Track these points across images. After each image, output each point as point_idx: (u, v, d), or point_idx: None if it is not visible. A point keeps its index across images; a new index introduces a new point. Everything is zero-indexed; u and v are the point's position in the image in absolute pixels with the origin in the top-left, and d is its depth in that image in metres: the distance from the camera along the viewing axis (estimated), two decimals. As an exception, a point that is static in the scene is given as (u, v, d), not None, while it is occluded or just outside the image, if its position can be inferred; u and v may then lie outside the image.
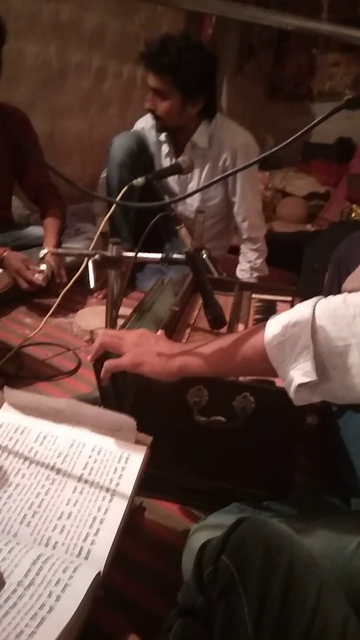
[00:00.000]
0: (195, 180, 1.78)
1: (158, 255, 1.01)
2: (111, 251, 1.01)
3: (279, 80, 3.85)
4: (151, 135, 1.84)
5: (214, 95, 1.77)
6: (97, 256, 1.02)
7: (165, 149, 1.83)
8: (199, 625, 0.47)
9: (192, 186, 1.81)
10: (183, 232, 0.96)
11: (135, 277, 1.84)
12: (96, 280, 1.04)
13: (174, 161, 1.82)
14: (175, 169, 1.26)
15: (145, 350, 0.76)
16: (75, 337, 1.53)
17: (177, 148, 1.81)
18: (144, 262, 1.79)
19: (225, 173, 0.75)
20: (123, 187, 1.06)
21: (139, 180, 1.14)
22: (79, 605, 0.52)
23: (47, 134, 2.28)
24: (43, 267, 1.59)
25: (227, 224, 1.90)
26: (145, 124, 1.85)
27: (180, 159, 1.28)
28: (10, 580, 0.54)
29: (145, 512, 0.88)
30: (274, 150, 0.65)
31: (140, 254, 1.00)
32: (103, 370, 0.77)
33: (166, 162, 1.82)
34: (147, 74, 1.63)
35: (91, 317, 1.59)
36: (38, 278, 1.58)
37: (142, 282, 1.80)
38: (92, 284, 1.02)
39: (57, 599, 0.53)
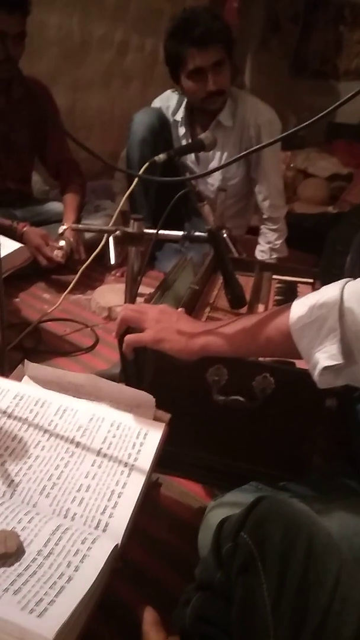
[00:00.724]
0: (217, 159, 1.76)
1: (179, 233, 0.99)
2: (132, 227, 1.00)
3: (305, 57, 3.74)
4: (168, 116, 1.81)
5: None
6: (117, 232, 1.02)
7: (181, 130, 1.80)
8: (217, 600, 0.47)
9: (214, 165, 1.78)
10: (206, 209, 0.94)
11: (155, 256, 1.83)
12: (116, 257, 1.04)
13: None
14: (197, 146, 1.23)
15: (167, 326, 0.75)
16: (93, 314, 1.54)
17: (194, 130, 1.77)
18: (164, 241, 1.79)
19: (250, 149, 0.73)
20: (144, 164, 1.04)
21: (161, 157, 1.12)
22: (97, 576, 0.53)
23: (67, 108, 2.25)
24: (62, 243, 1.59)
25: (247, 203, 1.87)
26: (162, 104, 1.82)
27: (202, 135, 1.26)
28: (30, 549, 0.55)
29: (161, 488, 0.89)
30: (298, 128, 0.63)
31: (161, 231, 0.99)
32: (124, 344, 0.76)
33: (182, 144, 1.80)
34: (194, 58, 1.55)
35: (109, 294, 1.59)
36: (57, 255, 1.58)
37: (161, 262, 1.80)
38: (112, 261, 1.02)
39: (76, 569, 0.53)
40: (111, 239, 1.02)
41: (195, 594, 0.48)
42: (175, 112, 1.79)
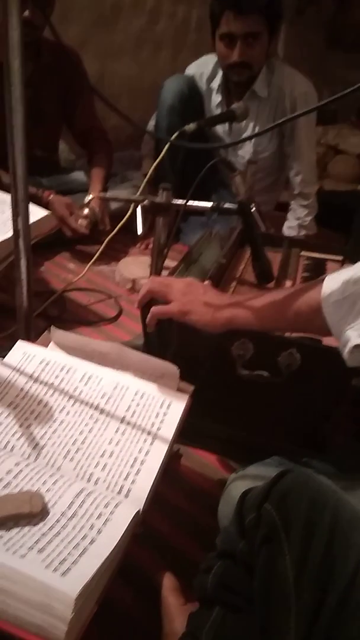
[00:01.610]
0: (249, 131, 1.71)
1: (208, 204, 0.98)
2: (161, 197, 0.99)
3: (341, 29, 3.60)
4: (202, 83, 1.76)
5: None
6: (145, 202, 1.01)
7: (216, 98, 1.75)
8: (239, 568, 0.47)
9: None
10: (237, 179, 0.92)
11: (180, 229, 1.81)
12: (143, 228, 1.03)
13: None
14: (228, 116, 1.21)
15: (193, 299, 0.74)
16: (117, 285, 1.53)
17: (230, 98, 1.73)
18: (190, 214, 1.76)
19: (283, 119, 0.71)
20: (172, 133, 1.02)
21: (191, 126, 1.10)
22: (119, 539, 0.53)
23: (96, 75, 2.21)
24: (86, 212, 1.58)
25: (277, 178, 1.83)
26: (196, 70, 1.77)
27: (234, 105, 1.23)
28: (54, 511, 0.56)
29: (181, 459, 0.89)
30: (333, 98, 0.61)
31: (190, 202, 0.98)
32: (149, 315, 0.76)
33: (217, 113, 1.75)
34: (228, 21, 1.49)
35: (134, 266, 1.58)
36: (82, 224, 1.57)
37: (187, 235, 1.78)
38: (139, 231, 1.01)
39: (99, 531, 0.54)
40: (139, 209, 1.00)
41: (217, 561, 0.49)
42: (211, 79, 1.74)
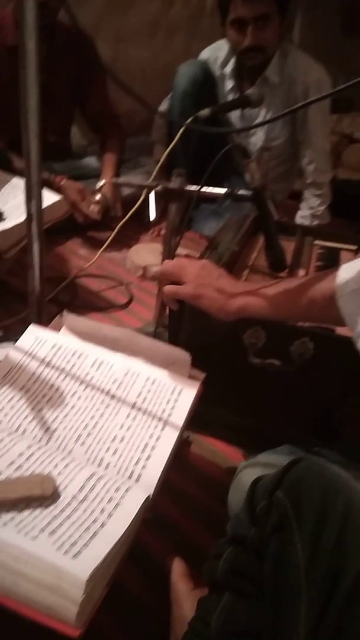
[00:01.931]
0: (262, 117, 1.69)
1: (223, 190, 0.96)
2: (174, 183, 0.98)
3: (357, 16, 3.53)
4: (215, 68, 1.74)
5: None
6: (159, 188, 1.00)
7: (229, 84, 1.72)
8: (250, 555, 0.47)
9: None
10: (252, 166, 0.91)
11: (191, 217, 1.80)
12: (156, 213, 1.02)
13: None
14: (243, 102, 1.19)
15: (207, 283, 0.74)
16: (127, 272, 1.53)
17: (243, 84, 1.70)
18: (201, 202, 1.75)
19: (295, 106, 0.70)
20: (185, 119, 1.00)
21: (205, 112, 1.08)
22: (130, 524, 0.54)
23: (109, 59, 2.19)
24: (98, 197, 1.57)
25: (290, 166, 1.81)
26: (210, 54, 1.75)
27: (249, 91, 1.21)
28: (65, 494, 0.56)
29: (191, 446, 0.89)
30: (347, 85, 0.59)
31: (204, 188, 0.97)
32: (164, 295, 0.75)
33: (229, 99, 1.73)
34: (237, 7, 1.47)
35: (145, 253, 1.57)
36: (93, 210, 1.57)
37: (198, 223, 1.76)
38: (152, 217, 1.00)
39: (109, 515, 0.54)
40: (152, 194, 0.99)
41: (228, 547, 0.49)
42: (225, 64, 1.72)
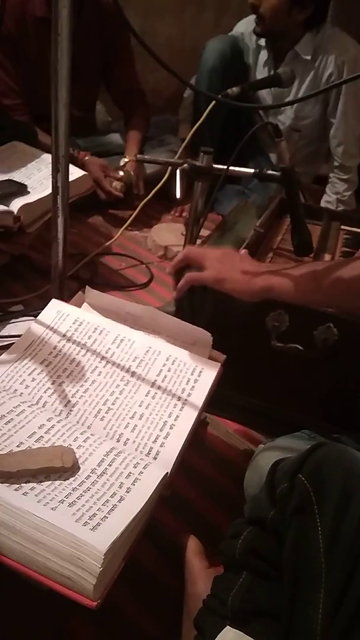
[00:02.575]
0: (293, 95, 1.65)
1: (251, 170, 0.94)
2: (201, 161, 0.96)
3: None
4: (251, 42, 1.69)
5: (326, 3, 1.60)
6: (185, 165, 0.98)
7: (263, 56, 1.68)
8: (269, 536, 0.47)
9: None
10: (283, 145, 0.89)
11: (215, 198, 1.77)
12: (181, 192, 1.01)
13: (272, 72, 1.69)
14: (274, 81, 1.16)
15: (229, 267, 0.73)
16: (148, 252, 1.52)
17: (277, 57, 1.66)
18: (227, 182, 1.72)
19: (328, 85, 0.68)
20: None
21: (234, 90, 1.06)
22: (147, 499, 0.54)
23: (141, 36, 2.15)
24: (122, 174, 1.56)
25: (318, 148, 1.77)
26: (246, 28, 1.70)
27: (280, 69, 1.18)
28: (84, 467, 0.56)
29: (208, 427, 0.89)
30: None
31: (232, 167, 0.95)
32: (182, 281, 0.74)
33: (264, 72, 1.69)
34: None
35: (166, 233, 1.56)
36: (116, 187, 1.55)
37: (222, 204, 1.74)
38: (178, 195, 0.98)
39: (128, 490, 0.54)
40: (178, 172, 0.98)
41: (247, 528, 0.49)
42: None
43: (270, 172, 0.91)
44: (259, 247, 1.03)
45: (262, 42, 1.66)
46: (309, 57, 1.58)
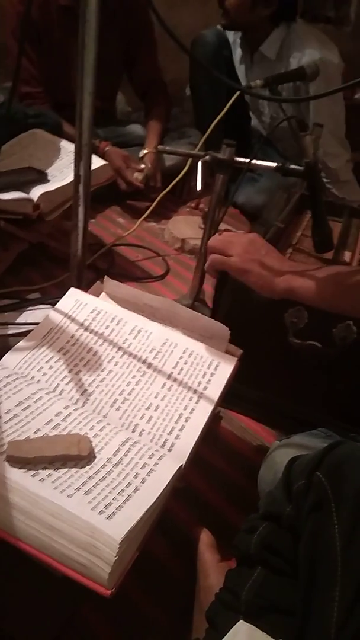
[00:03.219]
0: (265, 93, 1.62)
1: (273, 164, 0.93)
2: (223, 153, 0.95)
3: None
4: (230, 36, 1.68)
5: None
6: (207, 157, 0.97)
7: (239, 52, 1.66)
8: (284, 532, 0.47)
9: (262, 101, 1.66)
10: (308, 139, 0.87)
11: (228, 188, 1.76)
12: (202, 184, 1.00)
13: (245, 70, 1.67)
14: (298, 75, 1.14)
15: (254, 258, 0.72)
16: (165, 244, 1.52)
17: (248, 55, 1.64)
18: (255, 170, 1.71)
19: (288, 98, 0.66)
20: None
21: (257, 82, 1.05)
22: (162, 491, 0.54)
23: (159, 25, 2.14)
24: (142, 166, 1.55)
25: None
26: None
27: (305, 63, 1.16)
28: (100, 456, 0.56)
29: (221, 421, 0.89)
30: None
31: (254, 161, 0.94)
32: (208, 262, 0.73)
33: (241, 68, 1.67)
34: None
35: (183, 225, 1.55)
36: (137, 178, 1.55)
37: (231, 191, 1.72)
38: (199, 187, 0.98)
39: (143, 481, 0.54)
40: (200, 164, 0.97)
41: (262, 523, 0.48)
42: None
43: (293, 166, 0.90)
44: (277, 243, 1.02)
45: (237, 37, 1.64)
46: (272, 57, 1.53)
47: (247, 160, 0.93)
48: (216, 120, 1.05)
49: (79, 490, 0.50)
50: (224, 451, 0.86)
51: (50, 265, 1.26)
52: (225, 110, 1.00)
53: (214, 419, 0.89)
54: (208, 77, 1.67)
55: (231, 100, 0.98)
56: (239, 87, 0.88)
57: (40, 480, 0.50)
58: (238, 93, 0.94)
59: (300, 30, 1.53)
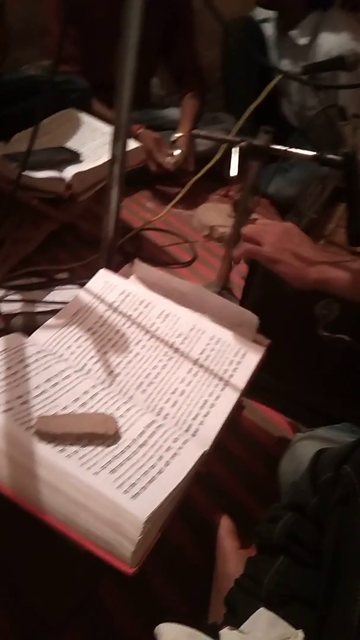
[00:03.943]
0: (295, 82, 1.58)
1: (310, 153, 0.91)
2: (260, 139, 0.94)
3: None
4: (262, 15, 1.65)
5: None
6: (243, 143, 0.95)
7: (271, 35, 1.63)
8: (309, 523, 0.46)
9: (292, 86, 1.61)
10: (348, 129, 0.86)
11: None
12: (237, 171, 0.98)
13: (275, 54, 1.63)
14: (336, 63, 1.12)
15: (287, 247, 0.71)
16: (193, 231, 1.51)
17: (281, 38, 1.60)
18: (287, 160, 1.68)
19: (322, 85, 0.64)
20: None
21: (297, 69, 1.03)
22: (186, 474, 0.54)
23: (197, 8, 2.10)
24: (177, 152, 1.54)
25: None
26: None
27: (346, 50, 1.13)
28: (125, 436, 0.57)
29: (244, 410, 0.88)
30: None
31: (290, 149, 0.92)
32: (237, 249, 0.72)
33: (273, 53, 1.63)
34: None
35: (213, 212, 1.54)
36: (169, 162, 1.54)
37: (262, 179, 1.69)
38: (233, 173, 0.96)
39: (167, 464, 0.54)
40: (235, 149, 0.96)
41: (287, 513, 0.48)
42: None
43: (331, 156, 0.88)
44: (309, 234, 1.00)
45: (272, 20, 1.61)
46: (301, 43, 1.49)
47: (284, 148, 0.91)
48: (254, 105, 1.03)
49: (104, 469, 0.51)
50: (244, 441, 0.86)
51: (79, 246, 1.26)
52: (264, 93, 0.98)
53: (236, 408, 0.88)
54: (240, 62, 1.64)
55: (272, 84, 0.96)
56: (282, 70, 0.85)
57: (67, 456, 0.51)
58: (279, 77, 0.92)
59: (334, 18, 1.50)
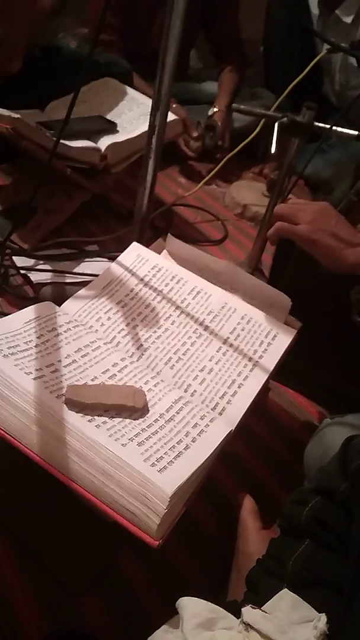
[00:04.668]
0: (341, 60, 1.52)
1: (354, 132, 0.88)
2: (302, 116, 0.91)
3: None
4: None
5: None
6: (284, 119, 0.93)
7: (316, 13, 1.56)
8: (338, 509, 0.46)
9: (337, 62, 1.54)
10: None
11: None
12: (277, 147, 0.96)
13: (320, 31, 1.57)
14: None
15: (323, 228, 0.68)
16: (224, 208, 1.48)
17: (326, 15, 1.53)
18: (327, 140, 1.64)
19: None
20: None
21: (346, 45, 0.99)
22: (212, 451, 0.53)
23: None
24: (211, 134, 1.51)
25: None
26: None
27: None
28: (153, 410, 0.57)
29: (270, 393, 0.87)
30: None
31: (335, 127, 0.89)
32: (272, 229, 0.70)
33: (318, 27, 1.57)
34: None
35: (246, 191, 1.51)
36: (192, 147, 1.51)
37: (299, 160, 1.66)
38: (273, 149, 0.94)
39: (193, 440, 0.54)
40: (276, 126, 0.93)
41: (315, 496, 0.47)
42: None
43: (376, 136, 0.85)
44: (347, 217, 0.97)
45: None
46: (349, 21, 1.42)
47: (328, 126, 0.88)
48: (299, 78, 0.99)
49: (132, 441, 0.51)
50: (270, 423, 0.85)
51: (109, 219, 1.25)
52: (311, 65, 0.95)
53: (264, 390, 0.88)
54: (284, 33, 1.58)
55: (317, 57, 0.92)
56: (333, 42, 0.82)
57: (96, 426, 0.51)
58: (325, 50, 0.89)
59: None
